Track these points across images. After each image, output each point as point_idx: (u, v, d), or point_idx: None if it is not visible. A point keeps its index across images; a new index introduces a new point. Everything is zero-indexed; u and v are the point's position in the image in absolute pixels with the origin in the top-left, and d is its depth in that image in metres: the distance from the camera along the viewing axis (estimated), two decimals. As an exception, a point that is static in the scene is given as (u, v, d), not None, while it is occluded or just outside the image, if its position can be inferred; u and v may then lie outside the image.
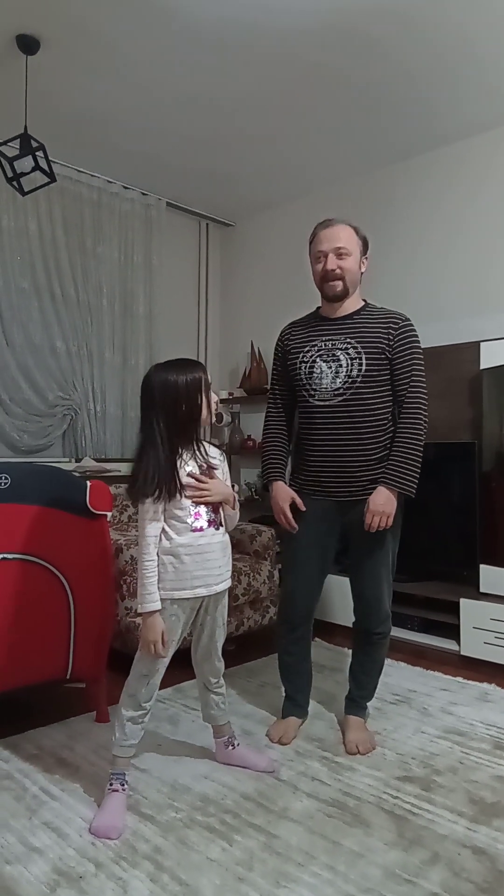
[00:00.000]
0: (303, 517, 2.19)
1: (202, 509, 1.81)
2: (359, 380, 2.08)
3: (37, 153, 2.79)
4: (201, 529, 1.80)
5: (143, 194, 4.19)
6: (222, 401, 4.56)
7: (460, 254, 3.54)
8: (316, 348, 2.16)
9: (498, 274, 3.38)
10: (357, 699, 2.28)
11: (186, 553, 1.77)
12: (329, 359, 2.12)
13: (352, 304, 2.18)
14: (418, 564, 3.35)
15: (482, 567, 2.98)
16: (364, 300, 2.22)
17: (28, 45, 2.69)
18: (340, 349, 2.11)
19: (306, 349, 2.19)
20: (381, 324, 2.12)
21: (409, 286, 3.74)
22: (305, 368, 2.17)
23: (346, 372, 2.09)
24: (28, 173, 2.87)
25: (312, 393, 2.15)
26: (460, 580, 3.13)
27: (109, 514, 2.33)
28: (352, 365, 2.09)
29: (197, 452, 1.81)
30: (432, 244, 3.67)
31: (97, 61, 2.84)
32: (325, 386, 2.12)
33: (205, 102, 3.17)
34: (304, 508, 2.17)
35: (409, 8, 2.51)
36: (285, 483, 2.23)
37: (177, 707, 2.45)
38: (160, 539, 1.77)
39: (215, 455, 1.89)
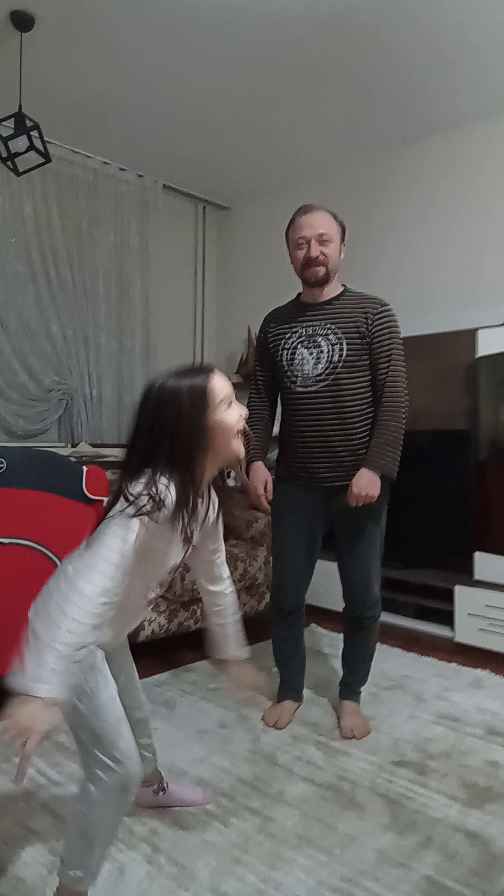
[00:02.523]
0: (290, 505, 2.22)
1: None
2: (340, 365, 2.09)
3: (31, 133, 2.75)
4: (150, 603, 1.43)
5: (140, 176, 4.13)
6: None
7: (456, 242, 3.52)
8: (297, 335, 2.18)
9: (494, 262, 3.36)
10: (350, 684, 2.30)
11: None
12: (310, 345, 2.14)
13: (331, 290, 2.18)
14: (413, 551, 3.37)
15: (476, 554, 3.00)
16: (343, 285, 2.22)
17: (23, 21, 2.63)
18: (321, 335, 2.13)
19: (288, 336, 2.20)
20: (359, 308, 2.13)
21: (405, 274, 3.72)
22: (287, 355, 2.18)
23: (328, 357, 2.10)
24: (23, 153, 2.83)
25: (294, 379, 2.16)
26: (455, 567, 3.15)
27: (106, 499, 2.32)
28: (332, 350, 2.10)
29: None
30: (428, 232, 3.64)
31: (93, 41, 2.79)
32: (306, 372, 2.13)
33: (202, 87, 3.13)
34: (270, 497, 2.21)
35: (412, -12, 2.47)
36: (264, 465, 2.26)
37: (173, 691, 2.47)
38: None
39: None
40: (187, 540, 1.33)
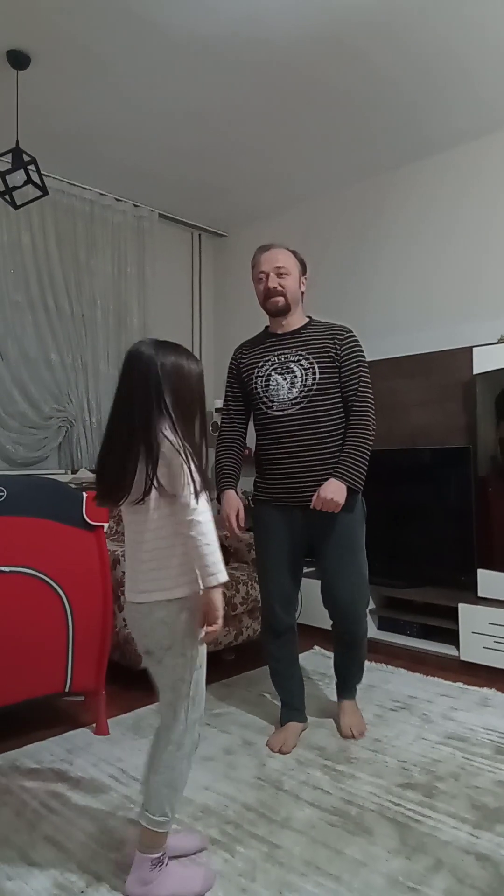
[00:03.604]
0: (272, 526, 2.29)
1: None
2: (314, 388, 2.21)
3: (28, 167, 2.81)
4: None
5: (136, 206, 4.21)
6: (217, 410, 4.56)
7: (451, 260, 3.57)
8: (270, 363, 2.30)
9: (488, 280, 3.41)
10: (345, 683, 2.41)
11: None
12: (284, 371, 2.26)
13: (297, 321, 2.32)
14: (416, 570, 3.36)
15: (480, 572, 2.99)
16: (309, 317, 2.35)
17: (19, 60, 2.71)
18: (293, 361, 2.25)
19: (260, 364, 2.31)
20: (327, 336, 2.26)
21: (401, 293, 3.77)
22: (262, 382, 2.29)
23: (302, 381, 2.22)
24: (20, 187, 2.88)
25: (270, 404, 2.27)
26: (458, 585, 3.13)
27: (106, 525, 2.33)
28: (306, 375, 2.22)
29: None
30: (423, 252, 3.69)
31: (88, 76, 2.86)
32: (282, 396, 2.24)
33: (195, 115, 3.20)
34: (242, 525, 2.30)
35: (397, 21, 2.54)
36: (237, 493, 2.35)
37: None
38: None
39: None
40: None
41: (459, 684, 2.78)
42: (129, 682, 2.75)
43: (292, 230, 4.36)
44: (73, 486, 2.98)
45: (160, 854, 1.47)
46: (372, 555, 3.48)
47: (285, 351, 2.28)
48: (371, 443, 2.24)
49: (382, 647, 3.26)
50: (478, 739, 2.25)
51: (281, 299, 2.26)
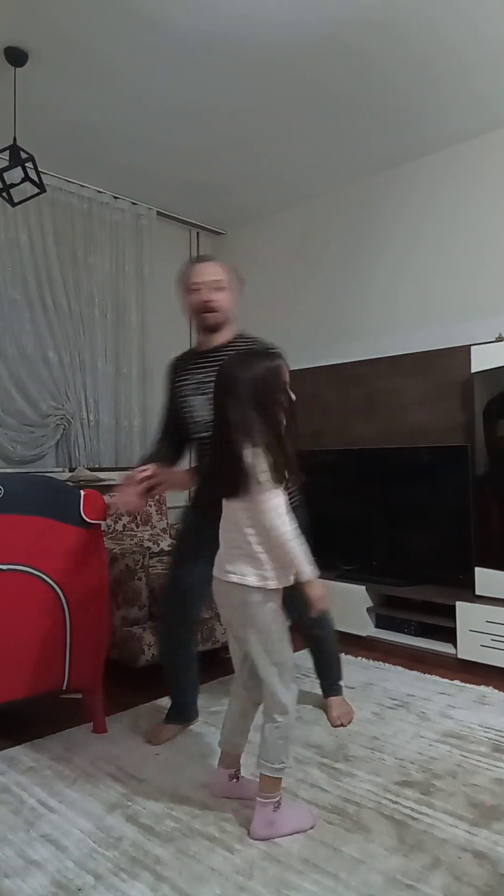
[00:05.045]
0: (192, 526, 2.26)
1: None
2: None
3: (26, 164, 2.80)
4: None
5: (134, 204, 4.20)
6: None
7: (449, 259, 3.57)
8: (192, 382, 2.22)
9: (487, 279, 3.41)
10: (328, 683, 2.47)
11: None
12: (202, 392, 2.16)
13: (223, 337, 2.22)
14: (414, 568, 3.36)
15: (477, 570, 2.99)
16: (240, 333, 2.26)
17: (16, 57, 2.70)
18: (210, 381, 2.07)
19: (185, 383, 2.25)
20: None
21: (400, 292, 3.77)
22: (185, 402, 2.24)
23: None
24: (17, 184, 2.88)
25: (192, 425, 2.22)
26: (456, 583, 3.13)
27: (104, 523, 2.33)
28: None
29: None
30: (422, 250, 3.69)
31: (86, 73, 2.86)
32: (199, 418, 2.17)
33: (194, 113, 3.19)
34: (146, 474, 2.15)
35: (396, 19, 2.54)
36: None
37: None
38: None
39: None
40: None
41: (457, 682, 2.78)
42: (126, 680, 2.75)
43: (291, 228, 4.36)
44: (70, 484, 2.98)
45: (278, 798, 1.70)
46: (370, 553, 3.50)
47: (205, 369, 2.16)
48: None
49: (380, 645, 3.26)
50: (475, 737, 2.25)
51: (215, 315, 2.17)
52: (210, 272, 2.18)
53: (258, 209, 4.40)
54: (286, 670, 1.72)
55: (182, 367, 2.30)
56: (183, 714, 2.32)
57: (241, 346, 2.17)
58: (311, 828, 1.70)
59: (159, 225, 4.37)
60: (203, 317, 2.19)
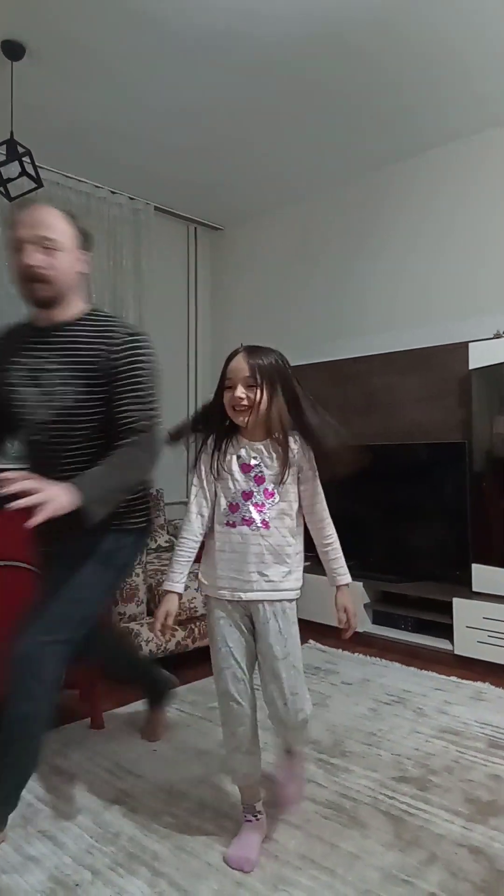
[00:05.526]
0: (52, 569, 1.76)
1: (239, 499, 1.58)
2: (70, 412, 1.64)
3: (23, 159, 2.78)
4: (232, 525, 1.58)
5: (131, 199, 4.18)
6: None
7: (448, 256, 3.56)
8: (22, 368, 1.69)
9: (486, 276, 3.41)
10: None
11: (219, 548, 1.59)
12: (37, 383, 1.67)
13: (67, 312, 1.70)
14: (411, 565, 3.37)
15: (474, 566, 3.00)
16: (93, 308, 1.75)
17: (14, 51, 2.68)
18: (49, 370, 1.65)
19: (13, 367, 1.71)
20: (100, 337, 1.66)
21: (399, 289, 3.76)
22: (11, 393, 1.71)
23: (57, 401, 1.65)
24: (14, 179, 2.86)
25: (20, 422, 1.74)
26: (453, 580, 3.14)
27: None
28: (63, 392, 1.64)
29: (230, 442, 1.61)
30: (421, 248, 3.69)
31: (83, 68, 2.84)
32: (32, 416, 1.69)
33: (192, 110, 3.18)
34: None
35: (394, 17, 2.52)
36: None
37: (172, 711, 2.44)
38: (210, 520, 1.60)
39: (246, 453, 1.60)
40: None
41: (454, 678, 2.79)
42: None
43: (290, 225, 4.35)
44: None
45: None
46: (368, 549, 3.50)
47: (42, 354, 1.67)
48: (134, 482, 1.62)
49: (377, 641, 3.27)
50: (471, 733, 2.26)
51: (45, 286, 1.62)
52: (38, 223, 1.61)
53: (257, 206, 4.38)
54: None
55: (9, 344, 1.75)
56: (158, 690, 2.20)
57: (94, 324, 1.68)
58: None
59: (157, 220, 4.35)
60: (27, 287, 1.64)
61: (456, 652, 2.97)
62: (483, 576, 2.97)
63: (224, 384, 1.57)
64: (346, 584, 1.65)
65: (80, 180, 3.89)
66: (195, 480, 1.62)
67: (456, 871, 1.52)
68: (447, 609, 3.03)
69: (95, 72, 2.87)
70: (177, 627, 2.17)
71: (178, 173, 3.88)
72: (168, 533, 3.84)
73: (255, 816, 1.64)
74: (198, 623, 2.93)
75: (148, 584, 2.88)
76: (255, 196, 4.22)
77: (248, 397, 1.53)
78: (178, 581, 1.59)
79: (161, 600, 1.59)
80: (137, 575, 2.81)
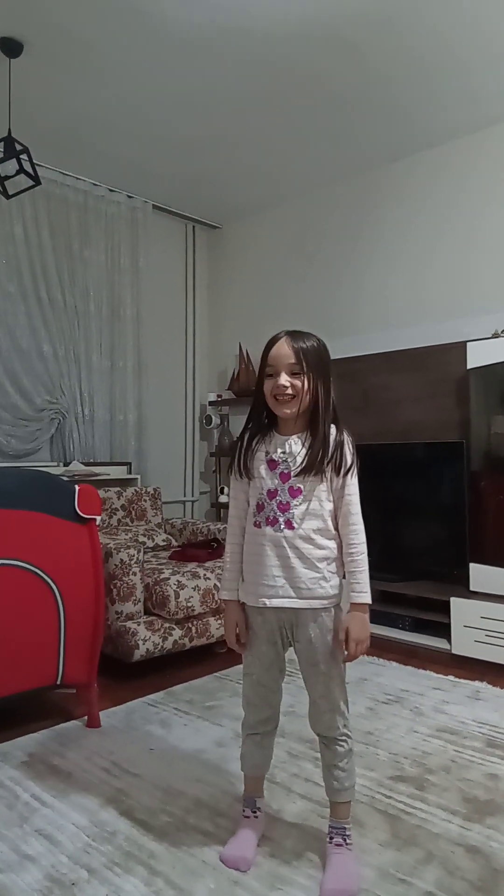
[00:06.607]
0: None
1: (265, 498, 1.50)
2: None
3: (21, 156, 2.78)
4: (258, 525, 1.51)
5: (129, 197, 4.18)
6: (210, 403, 4.56)
7: (445, 255, 3.56)
8: None
9: (482, 275, 3.41)
10: None
11: (247, 551, 1.54)
12: None
13: None
14: (409, 564, 3.37)
15: (472, 566, 3.00)
16: None
17: (11, 48, 2.68)
18: None
19: None
20: None
21: (396, 288, 3.76)
22: None
23: None
24: (12, 176, 2.86)
25: None
26: (450, 579, 3.14)
27: (98, 518, 2.32)
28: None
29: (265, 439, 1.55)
30: (417, 246, 3.69)
31: (81, 65, 2.83)
32: None
33: (190, 107, 3.17)
34: None
35: (391, 14, 2.52)
36: None
37: (169, 710, 2.44)
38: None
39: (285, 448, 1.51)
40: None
41: (451, 677, 2.79)
42: (121, 674, 2.75)
43: (286, 223, 4.35)
44: (65, 478, 2.97)
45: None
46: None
47: None
48: None
49: (375, 640, 3.23)
50: (469, 732, 2.26)
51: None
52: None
53: (254, 204, 4.38)
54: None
55: None
56: None
57: None
58: None
59: (155, 218, 4.35)
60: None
61: (453, 651, 2.97)
62: (481, 575, 2.97)
63: (265, 372, 1.47)
64: (361, 604, 1.47)
65: (77, 178, 3.89)
66: (231, 482, 1.58)
67: (453, 869, 1.52)
68: (445, 608, 3.03)
69: (93, 69, 2.87)
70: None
71: (176, 170, 3.88)
72: (165, 532, 3.83)
73: (255, 812, 1.64)
74: (194, 622, 2.92)
75: (145, 582, 2.88)
76: (251, 193, 4.22)
77: (292, 385, 1.44)
78: (226, 588, 1.57)
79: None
80: (135, 574, 2.81)
